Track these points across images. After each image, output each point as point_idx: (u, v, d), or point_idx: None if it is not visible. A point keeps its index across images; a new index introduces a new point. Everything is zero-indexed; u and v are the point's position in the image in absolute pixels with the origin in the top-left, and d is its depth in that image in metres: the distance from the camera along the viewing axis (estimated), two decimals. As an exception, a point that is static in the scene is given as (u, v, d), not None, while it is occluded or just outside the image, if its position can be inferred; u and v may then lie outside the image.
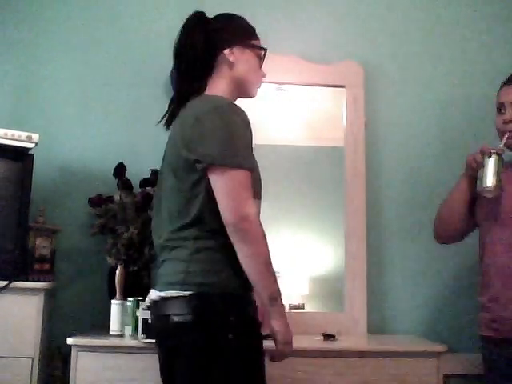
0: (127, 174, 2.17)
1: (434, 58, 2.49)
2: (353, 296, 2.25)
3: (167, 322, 1.40)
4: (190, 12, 2.41)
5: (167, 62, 2.32)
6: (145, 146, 2.34)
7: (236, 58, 1.53)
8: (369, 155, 2.38)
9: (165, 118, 1.61)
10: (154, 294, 1.47)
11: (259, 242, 1.37)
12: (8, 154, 1.95)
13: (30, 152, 2.00)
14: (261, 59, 1.60)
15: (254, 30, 1.61)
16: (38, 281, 1.95)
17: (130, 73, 2.39)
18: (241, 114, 1.44)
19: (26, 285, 1.91)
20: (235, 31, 1.57)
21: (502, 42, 2.52)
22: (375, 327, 2.27)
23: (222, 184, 1.38)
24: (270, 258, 1.39)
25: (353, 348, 1.90)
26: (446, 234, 1.94)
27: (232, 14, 1.60)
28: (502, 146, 1.75)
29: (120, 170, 2.16)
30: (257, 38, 1.60)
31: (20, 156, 1.98)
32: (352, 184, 2.33)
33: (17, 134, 1.94)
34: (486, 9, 2.53)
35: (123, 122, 2.36)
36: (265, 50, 1.60)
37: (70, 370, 1.80)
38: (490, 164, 1.71)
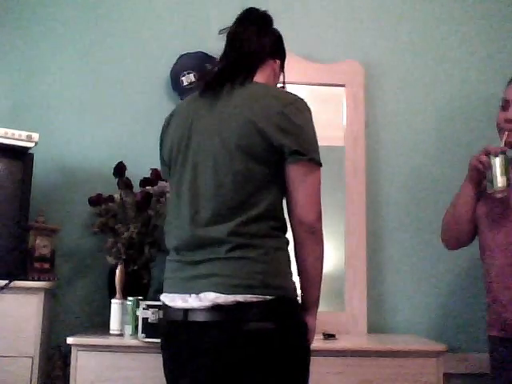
0: (127, 174, 2.17)
1: (434, 58, 2.49)
2: (353, 296, 2.25)
3: (240, 330, 1.26)
4: (190, 13, 2.44)
5: (167, 62, 2.35)
6: (145, 146, 2.34)
7: (275, 70, 1.55)
8: (369, 155, 2.38)
9: (204, 85, 1.47)
10: (221, 298, 1.26)
11: (321, 242, 1.42)
12: (8, 153, 1.95)
13: (29, 151, 2.00)
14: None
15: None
16: (38, 280, 1.96)
17: (130, 73, 2.39)
18: (311, 111, 1.43)
19: (26, 284, 1.91)
20: (283, 50, 1.60)
21: (503, 41, 2.52)
22: (375, 327, 2.27)
23: (312, 182, 1.37)
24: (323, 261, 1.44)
25: (353, 347, 1.90)
26: (456, 241, 1.93)
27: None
28: (502, 144, 1.74)
29: (120, 169, 2.16)
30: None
31: (20, 155, 1.98)
32: (352, 184, 2.33)
33: (17, 133, 1.94)
34: (487, 8, 2.53)
35: (123, 122, 2.36)
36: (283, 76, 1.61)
37: (69, 369, 1.80)
38: (498, 164, 1.69)
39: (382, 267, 2.34)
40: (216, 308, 1.27)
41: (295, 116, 1.36)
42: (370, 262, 2.31)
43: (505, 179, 1.68)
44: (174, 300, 1.35)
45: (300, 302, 1.42)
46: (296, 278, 1.41)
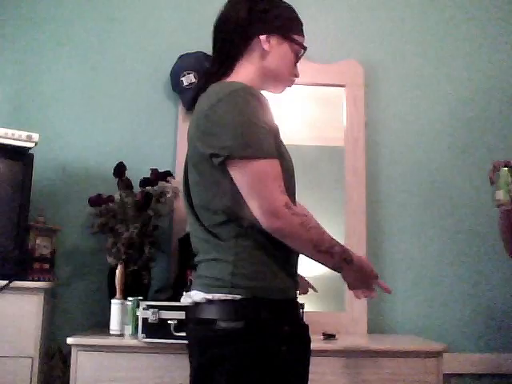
0: (127, 174, 2.17)
1: (434, 58, 2.49)
2: (353, 296, 2.25)
3: (212, 328, 1.28)
4: (190, 13, 2.44)
5: (168, 62, 2.35)
6: (145, 146, 2.34)
7: (271, 47, 1.40)
8: (369, 155, 2.38)
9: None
10: (196, 295, 1.32)
11: (298, 233, 1.25)
12: (8, 153, 1.95)
13: (30, 152, 2.00)
14: (298, 56, 1.46)
15: (300, 24, 1.47)
16: (38, 280, 1.95)
17: (130, 73, 2.39)
18: (257, 95, 1.30)
19: (25, 284, 1.91)
20: (278, 18, 1.42)
21: (504, 41, 2.52)
22: (375, 327, 2.27)
23: (243, 179, 1.25)
24: (317, 236, 1.28)
25: (353, 348, 1.90)
26: (509, 250, 1.94)
27: (282, 1, 1.46)
28: None
29: (120, 169, 2.16)
30: (301, 34, 1.46)
31: (20, 156, 1.98)
32: (352, 184, 2.33)
33: (17, 133, 1.94)
34: (487, 8, 2.54)
35: (123, 122, 2.36)
36: (305, 48, 1.46)
37: (70, 369, 1.80)
38: (499, 177, 1.73)
39: (381, 267, 2.34)
40: (195, 305, 1.33)
41: (216, 113, 1.27)
42: (369, 262, 2.30)
43: (502, 192, 1.72)
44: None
45: (288, 300, 1.35)
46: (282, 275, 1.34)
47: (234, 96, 1.28)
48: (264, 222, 1.25)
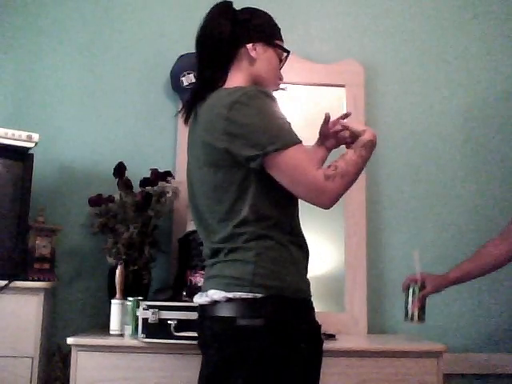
0: (127, 174, 2.17)
1: (434, 58, 2.49)
2: (353, 296, 2.26)
3: (231, 325, 1.31)
4: (190, 14, 2.44)
5: (168, 62, 2.35)
6: (145, 146, 2.34)
7: (258, 54, 1.49)
8: (369, 155, 2.38)
9: (183, 112, 1.53)
10: (215, 294, 1.35)
11: (347, 184, 1.35)
12: (8, 153, 1.95)
13: (29, 152, 2.00)
14: (281, 61, 1.56)
15: (279, 29, 1.56)
16: (38, 280, 1.95)
17: (130, 73, 2.39)
18: (269, 94, 1.38)
19: (25, 284, 1.91)
20: (261, 27, 1.51)
21: (504, 41, 2.52)
22: (375, 327, 2.27)
23: (282, 172, 1.33)
24: (356, 166, 1.38)
25: (353, 348, 1.90)
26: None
27: (258, 9, 1.55)
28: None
29: (120, 169, 2.16)
30: (280, 39, 1.56)
31: (20, 156, 1.97)
32: (352, 184, 2.33)
33: (17, 133, 1.93)
34: (488, 8, 2.54)
35: (123, 122, 2.36)
36: (288, 52, 1.55)
37: (70, 369, 1.80)
38: (407, 296, 1.95)
39: (382, 267, 2.34)
40: (214, 304, 1.36)
41: (240, 115, 1.33)
42: (370, 262, 2.31)
43: (406, 310, 1.95)
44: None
45: (305, 299, 1.40)
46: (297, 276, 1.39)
47: (249, 96, 1.35)
48: (316, 202, 1.34)
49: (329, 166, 1.36)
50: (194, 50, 2.28)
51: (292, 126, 1.38)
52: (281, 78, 1.57)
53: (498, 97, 2.48)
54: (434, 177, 2.41)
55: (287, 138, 1.33)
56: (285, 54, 1.55)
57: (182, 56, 2.33)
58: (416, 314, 1.92)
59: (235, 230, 1.36)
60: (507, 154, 2.44)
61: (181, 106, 2.27)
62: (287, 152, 1.32)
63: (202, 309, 1.43)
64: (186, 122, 1.53)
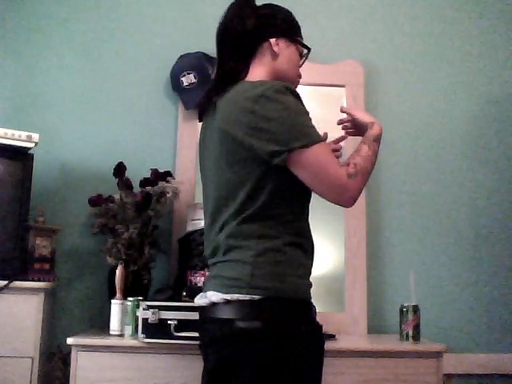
0: (127, 174, 2.17)
1: (434, 58, 2.49)
2: (353, 296, 2.26)
3: (230, 328, 1.30)
4: (190, 13, 2.44)
5: (168, 62, 2.35)
6: (145, 146, 2.34)
7: (280, 49, 1.48)
8: (369, 155, 2.38)
9: (202, 104, 1.52)
10: (214, 296, 1.34)
11: (364, 180, 1.36)
12: (8, 153, 1.94)
13: (29, 152, 2.00)
14: (302, 57, 1.55)
15: (299, 26, 1.55)
16: (38, 280, 1.95)
17: (130, 72, 2.39)
18: (293, 90, 1.37)
19: (25, 284, 1.91)
20: (284, 22, 1.51)
21: (505, 41, 2.52)
22: (375, 327, 2.27)
23: (306, 169, 1.31)
24: (369, 161, 1.40)
25: (353, 348, 1.90)
26: None
27: (280, 6, 1.54)
28: None
29: (120, 169, 2.16)
30: (301, 36, 1.55)
31: (20, 156, 1.97)
32: (352, 184, 2.33)
33: (17, 133, 1.93)
34: (488, 8, 2.54)
35: (123, 122, 2.36)
36: (309, 49, 1.55)
37: (70, 369, 1.80)
38: (401, 316, 2.00)
39: (382, 267, 2.34)
40: (212, 305, 1.35)
41: (266, 109, 1.31)
42: (370, 262, 2.31)
43: (400, 330, 1.98)
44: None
45: (304, 300, 1.38)
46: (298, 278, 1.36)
47: (275, 90, 1.33)
48: (340, 200, 1.33)
49: (348, 164, 1.35)
50: (193, 50, 2.33)
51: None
52: (300, 76, 1.56)
53: (498, 97, 2.48)
54: (434, 177, 2.41)
55: (312, 136, 1.32)
56: (305, 51, 1.55)
57: (181, 56, 2.33)
58: (410, 334, 1.96)
59: (239, 226, 1.34)
60: (508, 154, 2.44)
61: (181, 106, 2.32)
62: (312, 149, 1.30)
63: (202, 310, 1.42)
64: (201, 115, 1.52)
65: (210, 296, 1.35)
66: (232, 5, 1.49)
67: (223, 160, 1.37)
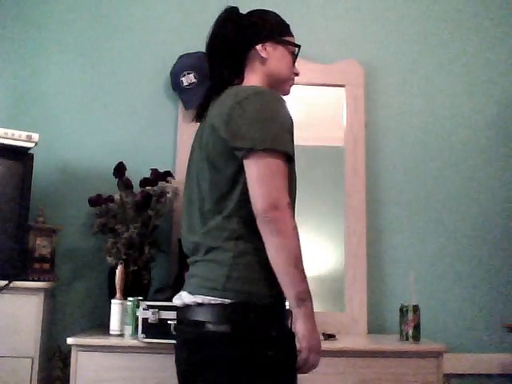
0: (127, 174, 2.17)
1: (434, 58, 2.49)
2: (353, 296, 2.26)
3: (201, 330, 1.30)
4: (190, 13, 2.44)
5: (167, 62, 2.35)
6: (145, 146, 2.34)
7: (268, 53, 1.50)
8: (369, 155, 2.38)
9: (197, 109, 1.53)
10: (187, 298, 1.35)
11: (289, 233, 1.26)
12: (8, 153, 1.95)
13: (29, 152, 2.00)
14: (294, 56, 1.56)
15: (287, 26, 1.56)
16: (38, 280, 1.96)
17: (130, 73, 2.39)
18: (280, 97, 1.39)
19: (25, 284, 1.91)
20: (268, 27, 1.52)
21: (504, 41, 2.52)
22: (375, 327, 2.27)
23: (257, 170, 1.29)
24: (299, 254, 1.28)
25: (353, 348, 1.90)
26: None
27: (265, 10, 1.56)
28: None
29: (120, 169, 2.16)
30: (290, 35, 1.56)
31: (20, 156, 1.98)
32: (352, 184, 2.33)
33: (17, 133, 1.94)
34: (488, 8, 2.53)
35: (123, 122, 2.36)
36: (298, 46, 1.56)
37: (70, 369, 1.80)
38: (401, 316, 2.00)
39: (381, 267, 2.34)
40: (186, 307, 1.36)
41: (243, 108, 1.33)
42: (370, 262, 2.31)
43: (400, 330, 2.01)
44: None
45: (275, 305, 1.34)
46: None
47: (259, 95, 1.36)
48: (263, 209, 1.26)
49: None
50: (193, 50, 2.33)
51: (293, 139, 1.37)
52: (296, 73, 1.57)
53: (498, 97, 2.48)
54: (434, 176, 2.41)
55: (281, 144, 1.31)
56: (296, 49, 1.56)
57: (181, 56, 2.33)
58: (410, 333, 1.97)
59: (220, 223, 1.34)
60: (507, 154, 2.44)
61: (181, 106, 2.31)
62: (273, 157, 1.30)
63: (178, 311, 1.42)
64: (198, 118, 1.53)
65: (184, 297, 1.37)
66: (218, 17, 1.52)
67: (205, 156, 1.38)
